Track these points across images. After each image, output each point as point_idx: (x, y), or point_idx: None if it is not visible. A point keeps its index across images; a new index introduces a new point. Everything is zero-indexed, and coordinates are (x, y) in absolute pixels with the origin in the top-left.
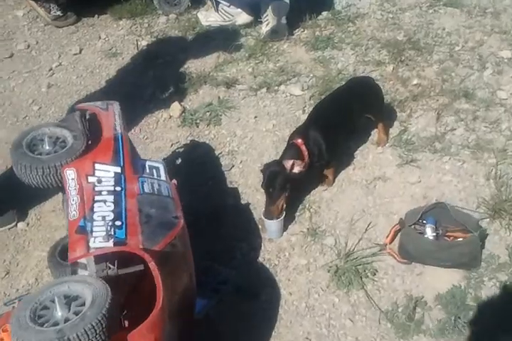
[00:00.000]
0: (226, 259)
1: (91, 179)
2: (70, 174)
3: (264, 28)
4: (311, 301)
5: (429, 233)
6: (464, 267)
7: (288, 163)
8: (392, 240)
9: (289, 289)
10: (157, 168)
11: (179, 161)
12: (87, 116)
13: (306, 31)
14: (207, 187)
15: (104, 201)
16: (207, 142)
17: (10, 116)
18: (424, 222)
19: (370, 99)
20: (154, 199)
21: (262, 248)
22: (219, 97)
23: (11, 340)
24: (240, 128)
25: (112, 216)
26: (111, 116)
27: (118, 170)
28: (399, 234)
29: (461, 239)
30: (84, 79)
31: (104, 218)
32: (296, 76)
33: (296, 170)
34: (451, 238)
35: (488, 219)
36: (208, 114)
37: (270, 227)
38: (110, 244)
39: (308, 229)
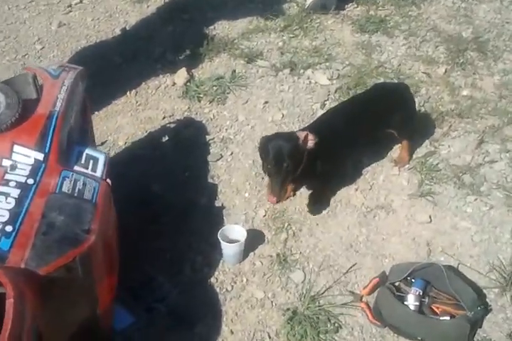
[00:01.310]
0: (173, 271)
1: (5, 162)
2: None
3: None
4: None
5: (411, 301)
6: None
7: (302, 134)
8: (370, 292)
9: (233, 326)
10: (95, 160)
11: (164, 139)
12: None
13: (358, 8)
14: (183, 177)
15: (7, 195)
16: (203, 122)
17: (11, 51)
18: (413, 280)
19: (395, 113)
20: (69, 203)
21: (219, 266)
22: (234, 71)
23: None
24: (244, 113)
25: (5, 217)
26: (57, 86)
27: (40, 157)
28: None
29: (448, 319)
30: (99, 24)
31: None
32: (330, 60)
33: (310, 145)
34: (439, 310)
35: (497, 290)
36: (214, 88)
37: (227, 251)
38: None
39: (278, 254)
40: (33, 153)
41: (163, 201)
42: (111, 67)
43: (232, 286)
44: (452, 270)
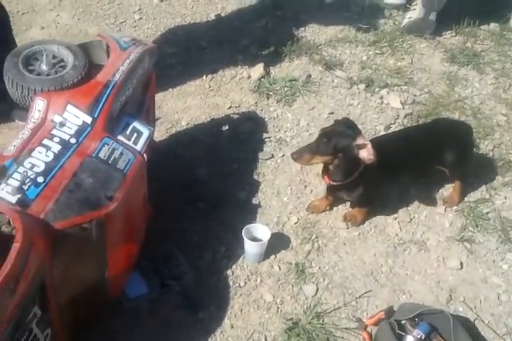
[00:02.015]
0: (194, 255)
1: (57, 118)
2: (39, 104)
3: (407, 18)
4: None
5: None
6: None
7: (361, 140)
8: (374, 324)
9: (235, 321)
10: (140, 134)
11: (224, 128)
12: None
13: (456, 37)
14: (230, 168)
15: (48, 148)
16: (265, 119)
17: (111, 16)
18: (420, 322)
19: (448, 150)
20: (101, 168)
21: (239, 261)
22: (309, 76)
23: None
24: (307, 119)
25: (41, 168)
26: (122, 59)
27: (88, 120)
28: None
29: None
30: (197, 5)
31: (32, 167)
32: (409, 84)
33: (366, 157)
34: None
35: None
36: (285, 89)
37: (248, 248)
38: (13, 199)
39: (297, 263)
40: (82, 115)
41: (205, 187)
42: (195, 50)
43: (246, 283)
44: (462, 322)
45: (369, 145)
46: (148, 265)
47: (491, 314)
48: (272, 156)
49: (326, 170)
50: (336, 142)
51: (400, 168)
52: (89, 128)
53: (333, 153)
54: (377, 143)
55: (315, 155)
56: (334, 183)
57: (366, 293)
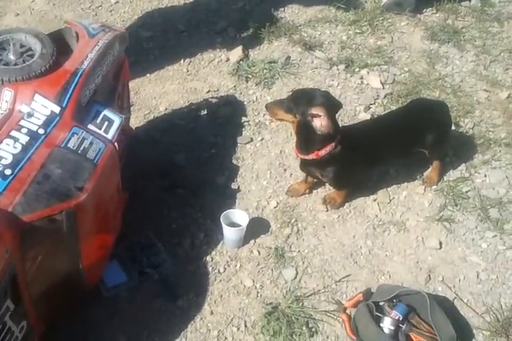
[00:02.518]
0: (173, 242)
1: (24, 109)
2: (6, 95)
3: None
4: (226, 332)
5: (387, 324)
6: None
7: (317, 111)
8: (353, 306)
9: (214, 307)
10: (111, 122)
11: (203, 112)
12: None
13: (437, 14)
14: (209, 153)
15: (16, 140)
16: (244, 103)
17: (87, 0)
18: (397, 303)
19: (428, 132)
20: (70, 158)
21: (218, 247)
22: (288, 57)
23: None
24: None
25: (8, 161)
26: (90, 46)
27: (56, 110)
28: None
29: None
30: None
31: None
32: (389, 64)
33: (322, 126)
34: (416, 340)
35: (487, 333)
36: (265, 71)
37: (227, 234)
38: None
39: (277, 248)
40: (50, 105)
41: (183, 173)
42: (173, 34)
43: (225, 269)
44: (439, 302)
45: (324, 117)
46: (127, 253)
47: (470, 293)
48: (251, 140)
49: (296, 142)
50: (296, 103)
51: (381, 154)
52: (58, 118)
53: (292, 113)
54: (358, 130)
55: (280, 110)
56: (300, 156)
57: (345, 277)
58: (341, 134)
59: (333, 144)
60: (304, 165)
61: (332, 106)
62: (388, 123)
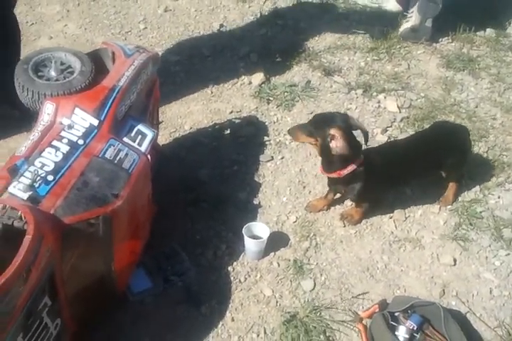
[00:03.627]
0: (197, 252)
1: (65, 121)
2: (48, 108)
3: (404, 25)
4: (246, 339)
5: (402, 332)
6: None
7: (334, 131)
8: (369, 317)
9: (235, 314)
10: (144, 136)
11: (226, 132)
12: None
13: (453, 43)
14: (232, 170)
15: (57, 149)
16: (266, 123)
17: (117, 26)
18: (412, 314)
19: (448, 155)
20: (107, 167)
21: (239, 258)
22: (308, 81)
23: None
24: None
25: (50, 167)
26: (127, 65)
27: (95, 122)
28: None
29: None
30: (200, 15)
31: (42, 166)
32: (406, 89)
33: (337, 147)
34: None
35: None
36: (285, 94)
37: (249, 246)
38: (25, 196)
39: (296, 260)
40: (89, 118)
41: (207, 188)
42: (198, 58)
43: (246, 279)
44: (453, 315)
45: (339, 138)
46: (153, 262)
47: (483, 308)
48: (272, 158)
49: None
50: (315, 126)
51: (403, 175)
52: (96, 130)
53: (313, 136)
54: (382, 150)
55: (302, 134)
56: (325, 174)
57: (362, 294)
58: (365, 155)
59: (355, 165)
60: (331, 181)
61: (349, 128)
62: (411, 145)
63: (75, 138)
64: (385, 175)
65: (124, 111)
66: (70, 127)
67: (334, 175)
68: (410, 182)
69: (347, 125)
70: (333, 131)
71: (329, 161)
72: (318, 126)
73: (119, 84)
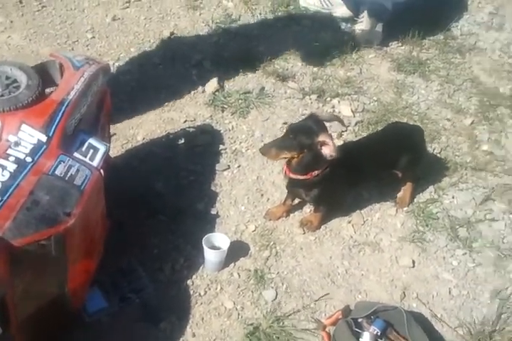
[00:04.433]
0: (154, 267)
1: (11, 138)
2: None
3: (355, 30)
4: None
5: (366, 338)
6: None
7: (324, 137)
8: (333, 324)
9: (196, 329)
10: (96, 150)
11: (180, 141)
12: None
13: (403, 47)
14: (188, 180)
15: (4, 168)
16: (221, 131)
17: (63, 35)
18: (375, 319)
19: (403, 154)
20: (58, 185)
21: (198, 271)
22: (263, 88)
23: None
24: (261, 130)
25: None
26: (76, 77)
27: (43, 138)
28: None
29: None
30: (150, 23)
31: None
32: (359, 93)
33: (328, 154)
34: None
35: None
36: (240, 101)
37: (209, 257)
38: None
39: (256, 270)
40: (37, 134)
41: (163, 200)
42: (149, 66)
43: (206, 292)
44: (415, 317)
45: (331, 142)
46: (108, 279)
47: (443, 308)
48: (229, 167)
49: (288, 162)
50: (301, 139)
51: (360, 174)
52: (45, 147)
53: (299, 149)
54: (341, 151)
55: (282, 150)
56: (293, 176)
57: (324, 296)
58: None
59: (326, 164)
60: (292, 184)
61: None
62: (368, 145)
63: (22, 156)
64: (344, 175)
65: (74, 125)
66: (17, 144)
67: (304, 177)
68: (368, 181)
69: (326, 127)
70: (322, 138)
71: (308, 165)
72: (302, 137)
73: (69, 98)
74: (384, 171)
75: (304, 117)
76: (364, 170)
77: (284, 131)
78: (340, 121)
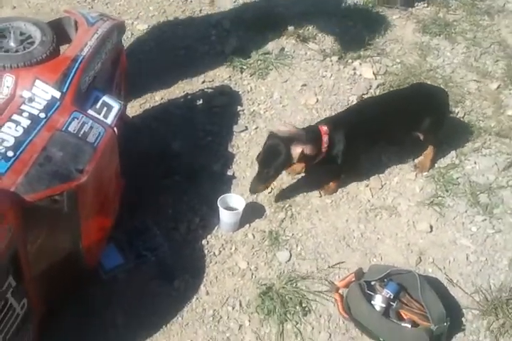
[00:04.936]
0: (169, 227)
1: (25, 94)
2: (7, 80)
3: None
4: (221, 312)
5: (378, 301)
6: None
7: (296, 150)
8: (345, 286)
9: (210, 287)
10: (110, 108)
11: (198, 102)
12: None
13: (428, 8)
14: (205, 141)
15: (18, 123)
16: (239, 93)
17: None
18: (388, 282)
19: (426, 116)
20: (71, 141)
21: (213, 231)
22: (282, 49)
23: None
24: (280, 91)
25: (10, 143)
26: (90, 34)
27: (57, 95)
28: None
29: (409, 326)
30: None
31: (2, 142)
32: (382, 55)
33: (302, 158)
34: (407, 317)
35: (476, 312)
36: (259, 62)
37: (224, 218)
38: None
39: (271, 231)
40: (51, 90)
41: (180, 160)
42: (168, 26)
43: (220, 252)
44: (430, 282)
45: (298, 147)
46: (124, 237)
47: (459, 274)
48: (246, 129)
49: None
50: (275, 166)
51: (377, 135)
52: (58, 103)
53: (280, 170)
54: (354, 113)
55: (268, 182)
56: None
57: (338, 263)
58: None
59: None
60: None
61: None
62: (390, 103)
63: (36, 112)
64: (363, 135)
65: (88, 82)
66: (31, 100)
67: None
68: (389, 142)
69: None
70: (293, 148)
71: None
72: (272, 166)
73: (82, 54)
74: (405, 132)
75: (265, 142)
76: (384, 129)
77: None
78: (299, 135)
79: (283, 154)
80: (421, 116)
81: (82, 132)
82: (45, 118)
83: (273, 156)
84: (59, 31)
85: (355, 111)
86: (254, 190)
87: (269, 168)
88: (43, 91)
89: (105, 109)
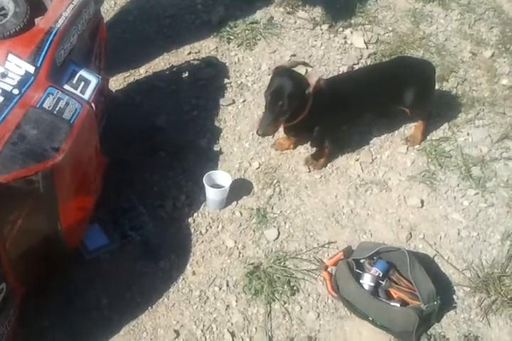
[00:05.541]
0: (155, 205)
1: None
2: None
3: None
4: (208, 292)
5: (367, 280)
6: (393, 335)
7: (313, 78)
8: (334, 264)
9: (196, 268)
10: (88, 82)
11: (184, 75)
12: None
13: None
14: (191, 115)
15: None
16: (226, 64)
17: None
18: (377, 260)
19: (409, 90)
20: (46, 119)
21: (200, 209)
22: (271, 18)
23: None
24: (269, 62)
25: None
26: (65, 4)
27: (31, 69)
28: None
29: (398, 306)
30: None
31: None
32: (373, 23)
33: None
34: (396, 296)
35: (467, 289)
36: (246, 32)
37: (210, 195)
38: None
39: (259, 208)
40: (25, 65)
41: (165, 135)
42: None
43: (207, 230)
44: (420, 259)
45: (315, 77)
46: (108, 217)
47: (450, 250)
48: (233, 102)
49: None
50: (290, 99)
51: (358, 108)
52: (33, 78)
53: (289, 107)
54: (336, 82)
55: (278, 121)
56: (287, 124)
57: (328, 243)
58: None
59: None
60: (290, 130)
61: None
62: (370, 76)
63: (9, 88)
64: (341, 107)
65: (64, 55)
66: (4, 76)
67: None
68: (368, 113)
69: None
70: (309, 76)
71: (297, 111)
72: (289, 98)
73: (57, 26)
74: (388, 106)
75: (272, 76)
76: (365, 103)
77: (265, 102)
78: (305, 64)
79: (301, 81)
80: (403, 91)
81: (57, 108)
82: (19, 94)
83: (288, 85)
84: (34, 2)
85: (343, 78)
86: (263, 131)
87: (282, 99)
88: (16, 66)
89: (82, 83)
